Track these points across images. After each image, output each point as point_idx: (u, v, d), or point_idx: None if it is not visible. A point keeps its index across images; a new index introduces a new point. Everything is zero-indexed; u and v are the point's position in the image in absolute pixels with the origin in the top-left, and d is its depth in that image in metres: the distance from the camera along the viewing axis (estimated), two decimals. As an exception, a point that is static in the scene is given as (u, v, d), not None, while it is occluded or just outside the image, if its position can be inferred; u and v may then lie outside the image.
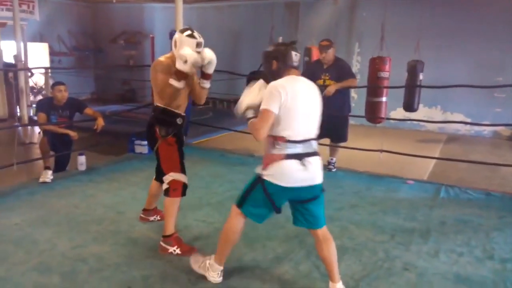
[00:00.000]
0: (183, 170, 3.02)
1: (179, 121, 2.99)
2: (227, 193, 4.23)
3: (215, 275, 2.59)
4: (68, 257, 2.88)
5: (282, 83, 2.28)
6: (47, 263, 2.80)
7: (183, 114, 3.03)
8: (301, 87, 2.34)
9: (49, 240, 3.13)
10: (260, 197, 2.37)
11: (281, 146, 2.29)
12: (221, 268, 2.60)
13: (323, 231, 2.45)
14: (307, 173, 2.31)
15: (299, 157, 2.29)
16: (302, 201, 2.40)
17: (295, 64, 2.36)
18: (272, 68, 2.39)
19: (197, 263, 2.67)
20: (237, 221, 2.48)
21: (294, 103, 2.27)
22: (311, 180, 2.35)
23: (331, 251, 2.43)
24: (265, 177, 2.34)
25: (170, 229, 2.98)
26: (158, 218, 3.48)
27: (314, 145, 2.37)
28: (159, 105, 2.95)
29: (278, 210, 2.43)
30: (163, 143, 2.98)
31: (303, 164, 2.29)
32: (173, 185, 2.95)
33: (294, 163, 2.28)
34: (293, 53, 2.34)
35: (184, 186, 3.00)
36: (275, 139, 2.30)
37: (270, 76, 2.39)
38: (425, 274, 2.80)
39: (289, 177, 2.30)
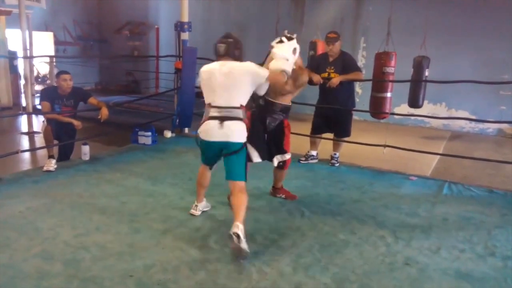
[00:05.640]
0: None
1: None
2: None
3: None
4: (70, 245, 2.90)
5: (202, 68, 3.16)
6: (50, 250, 2.82)
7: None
8: (215, 68, 3.04)
9: (52, 228, 3.16)
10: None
11: (207, 110, 3.07)
12: None
13: (234, 184, 3.02)
14: (222, 132, 2.98)
15: (217, 119, 2.99)
16: (224, 154, 3.08)
17: (220, 53, 3.11)
18: None
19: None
20: (201, 168, 3.40)
21: (209, 80, 3.05)
22: (226, 137, 3.00)
23: (235, 201, 2.96)
24: (198, 133, 3.14)
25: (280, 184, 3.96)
26: (283, 196, 3.94)
27: (235, 112, 3.00)
28: None
29: (205, 160, 3.29)
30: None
31: (220, 124, 2.98)
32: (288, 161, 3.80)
33: (212, 122, 3.01)
34: (218, 45, 3.11)
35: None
36: (206, 105, 3.11)
37: None
38: (426, 269, 2.80)
39: (207, 133, 3.06)
